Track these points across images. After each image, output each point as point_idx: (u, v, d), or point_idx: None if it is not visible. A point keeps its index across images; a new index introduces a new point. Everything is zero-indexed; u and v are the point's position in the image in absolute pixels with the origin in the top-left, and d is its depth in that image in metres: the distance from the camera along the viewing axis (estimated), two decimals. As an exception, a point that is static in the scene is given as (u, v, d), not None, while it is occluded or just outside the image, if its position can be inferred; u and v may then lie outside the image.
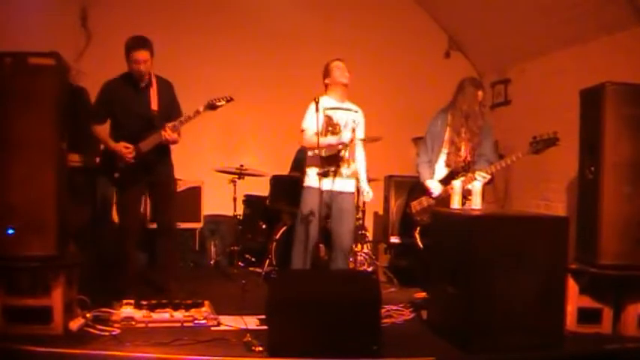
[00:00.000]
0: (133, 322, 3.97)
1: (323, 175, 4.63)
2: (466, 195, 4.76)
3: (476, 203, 4.53)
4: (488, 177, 4.89)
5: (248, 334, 3.73)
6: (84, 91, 6.07)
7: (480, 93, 5.09)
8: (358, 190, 5.19)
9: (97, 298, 4.17)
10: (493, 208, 5.22)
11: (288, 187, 5.85)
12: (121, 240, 4.92)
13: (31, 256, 3.63)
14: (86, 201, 5.91)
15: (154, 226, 5.34)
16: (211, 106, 4.58)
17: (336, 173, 4.80)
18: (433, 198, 5.07)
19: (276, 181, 6.16)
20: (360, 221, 6.22)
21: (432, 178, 5.11)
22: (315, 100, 4.66)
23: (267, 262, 5.75)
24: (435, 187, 5.05)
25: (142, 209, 5.00)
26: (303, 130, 4.95)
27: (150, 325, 3.99)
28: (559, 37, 5.88)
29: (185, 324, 4.05)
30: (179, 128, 4.64)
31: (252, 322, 4.16)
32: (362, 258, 6.19)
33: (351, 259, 5.91)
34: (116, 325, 3.92)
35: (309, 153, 4.99)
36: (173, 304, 4.23)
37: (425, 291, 4.76)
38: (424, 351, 3.72)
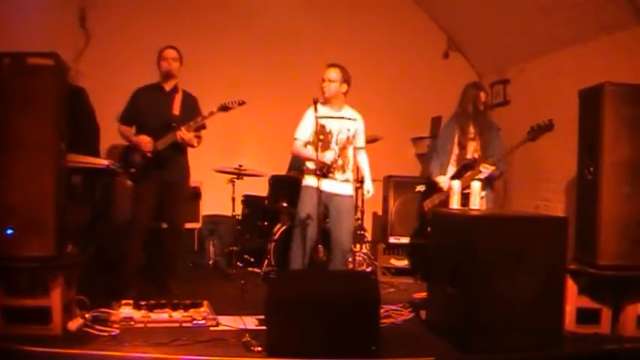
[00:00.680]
0: (132, 323, 3.97)
1: (321, 174, 4.62)
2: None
3: (475, 203, 4.54)
4: (492, 168, 4.99)
5: (247, 334, 3.73)
6: (83, 91, 6.09)
7: (481, 94, 5.21)
8: (357, 190, 5.20)
9: (96, 298, 4.16)
10: (493, 209, 5.24)
11: (287, 187, 5.85)
12: (129, 234, 5.05)
13: (30, 257, 3.63)
14: (85, 201, 5.92)
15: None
16: (224, 108, 4.84)
17: (327, 175, 4.79)
18: (443, 193, 5.16)
19: (275, 181, 6.16)
20: (359, 221, 6.22)
21: (442, 174, 5.25)
22: (314, 100, 4.64)
23: (266, 262, 5.75)
24: (444, 182, 5.17)
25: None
26: (296, 139, 4.98)
27: (149, 325, 3.99)
28: (559, 37, 5.88)
29: (184, 324, 4.05)
30: (193, 128, 4.87)
31: (251, 323, 4.16)
32: (361, 258, 6.20)
33: (350, 260, 5.92)
34: (115, 325, 3.91)
35: (308, 162, 4.99)
36: (172, 305, 4.23)
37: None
38: (424, 351, 3.72)
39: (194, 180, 6.17)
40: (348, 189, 5.00)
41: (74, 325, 3.83)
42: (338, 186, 4.91)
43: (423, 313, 4.56)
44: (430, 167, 5.43)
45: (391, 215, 6.52)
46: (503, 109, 6.96)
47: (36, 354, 3.37)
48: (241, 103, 4.86)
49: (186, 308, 4.22)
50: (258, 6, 6.83)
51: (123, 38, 6.42)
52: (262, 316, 4.03)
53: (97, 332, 3.80)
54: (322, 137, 4.86)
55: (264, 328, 3.73)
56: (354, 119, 5.00)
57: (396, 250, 6.51)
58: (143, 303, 4.22)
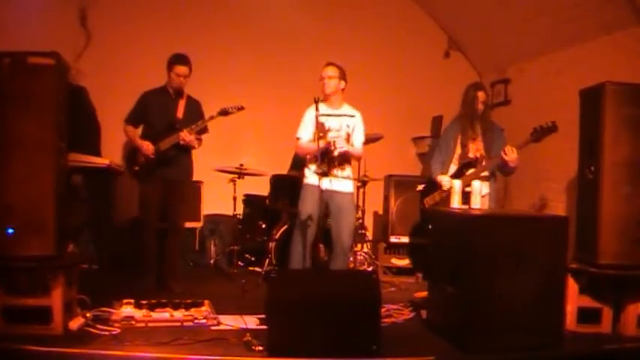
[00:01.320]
0: (133, 322, 3.96)
1: (322, 174, 4.62)
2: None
3: (475, 203, 4.54)
4: (515, 155, 4.90)
5: (248, 334, 3.73)
6: (84, 90, 6.10)
7: (480, 94, 5.19)
8: (359, 189, 5.18)
9: (98, 298, 4.17)
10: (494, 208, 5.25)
11: (288, 186, 5.85)
12: (139, 232, 5.21)
13: (31, 256, 3.63)
14: (86, 200, 5.92)
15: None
16: (224, 113, 5.06)
17: (329, 173, 4.76)
18: (444, 191, 5.16)
19: (276, 181, 6.16)
20: (360, 221, 6.22)
21: (443, 173, 5.26)
22: (315, 100, 4.65)
23: (267, 261, 5.75)
24: (445, 181, 5.17)
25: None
26: (298, 139, 5.00)
27: (150, 324, 3.99)
28: (559, 36, 5.88)
29: (185, 323, 4.05)
30: (195, 131, 5.05)
31: (251, 322, 4.16)
32: (362, 257, 6.20)
33: (351, 259, 5.92)
34: (116, 324, 3.92)
35: (308, 160, 5.00)
36: (173, 304, 4.24)
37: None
38: (424, 351, 3.71)
39: (195, 179, 6.20)
40: (348, 186, 5.01)
41: (75, 324, 3.83)
42: (338, 183, 4.90)
43: (423, 313, 4.56)
44: (431, 165, 5.44)
45: (392, 214, 6.53)
46: (503, 108, 6.96)
47: (37, 354, 3.36)
48: (240, 109, 5.06)
49: (187, 307, 4.22)
50: (259, 6, 6.83)
51: (123, 38, 6.42)
52: (263, 316, 4.02)
53: (98, 331, 3.80)
54: (322, 135, 4.86)
55: (265, 327, 3.73)
56: (352, 115, 5.02)
57: (396, 249, 6.51)
58: (144, 302, 4.22)
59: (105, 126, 6.21)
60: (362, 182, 6.04)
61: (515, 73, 6.90)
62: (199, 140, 5.21)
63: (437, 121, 7.25)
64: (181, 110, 5.16)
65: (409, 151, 7.66)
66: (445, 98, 6.24)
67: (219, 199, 6.45)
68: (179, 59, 5.10)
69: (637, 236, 4.06)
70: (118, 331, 3.83)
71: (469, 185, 4.74)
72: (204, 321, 4.09)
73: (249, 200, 6.41)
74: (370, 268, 6.11)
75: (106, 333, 3.78)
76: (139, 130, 5.22)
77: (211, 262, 6.61)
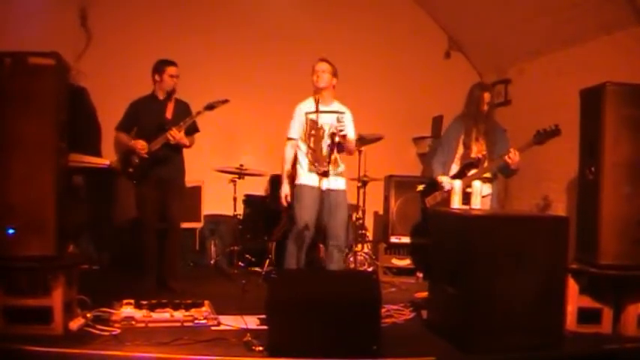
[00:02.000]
0: (133, 322, 3.97)
1: (323, 174, 4.59)
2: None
3: (475, 203, 4.54)
4: (518, 158, 4.95)
5: (248, 334, 3.73)
6: (84, 91, 6.10)
7: (485, 95, 5.20)
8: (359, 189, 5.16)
9: (98, 298, 4.17)
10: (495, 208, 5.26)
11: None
12: (139, 233, 5.27)
13: (31, 257, 3.63)
14: (87, 201, 5.93)
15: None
16: (209, 107, 5.06)
17: (327, 174, 4.71)
18: (445, 192, 5.17)
19: (276, 181, 6.15)
20: (361, 221, 6.22)
21: (444, 173, 5.28)
22: (315, 99, 4.63)
23: (267, 261, 5.76)
24: (446, 182, 5.18)
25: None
26: (289, 139, 5.01)
27: (150, 324, 3.99)
28: (559, 37, 5.88)
29: (185, 324, 4.05)
30: (184, 128, 5.10)
31: (252, 322, 4.16)
32: (362, 258, 6.20)
33: (351, 259, 5.92)
34: (116, 324, 3.92)
35: (301, 159, 4.99)
36: (173, 304, 4.24)
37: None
38: (424, 351, 3.71)
39: (195, 179, 6.21)
40: (341, 183, 4.99)
41: (75, 324, 3.83)
42: (332, 181, 4.82)
43: (424, 313, 4.56)
44: (433, 165, 5.44)
45: (392, 215, 6.52)
46: (504, 108, 6.95)
47: (37, 354, 3.37)
48: (225, 102, 5.08)
49: (187, 308, 4.22)
50: (259, 6, 6.83)
51: (124, 38, 6.42)
52: (263, 316, 4.03)
53: (98, 332, 3.80)
54: (314, 132, 4.87)
55: (265, 327, 3.73)
56: (343, 112, 4.97)
57: (397, 249, 6.51)
58: (144, 302, 4.22)
59: (105, 126, 6.21)
60: (362, 182, 6.04)
61: (516, 73, 6.90)
62: (191, 139, 5.28)
63: (437, 122, 7.25)
64: (170, 112, 5.24)
65: (409, 152, 7.66)
66: (445, 98, 6.25)
67: (219, 199, 6.45)
68: (168, 61, 5.19)
69: (637, 236, 4.05)
70: (118, 331, 3.83)
71: (470, 186, 4.74)
72: (204, 321, 4.09)
73: (250, 200, 6.42)
74: (370, 269, 6.11)
75: (106, 333, 3.78)
76: (131, 136, 5.28)
77: (212, 262, 6.61)
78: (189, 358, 3.44)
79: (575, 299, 4.19)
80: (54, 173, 3.71)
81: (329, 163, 4.79)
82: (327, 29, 6.96)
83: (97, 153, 6.11)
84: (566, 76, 5.77)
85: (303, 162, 4.95)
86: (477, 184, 4.63)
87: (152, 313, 4.09)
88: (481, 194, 4.65)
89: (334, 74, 4.97)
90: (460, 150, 5.26)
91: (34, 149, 3.66)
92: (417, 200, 5.98)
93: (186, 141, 5.21)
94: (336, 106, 5.03)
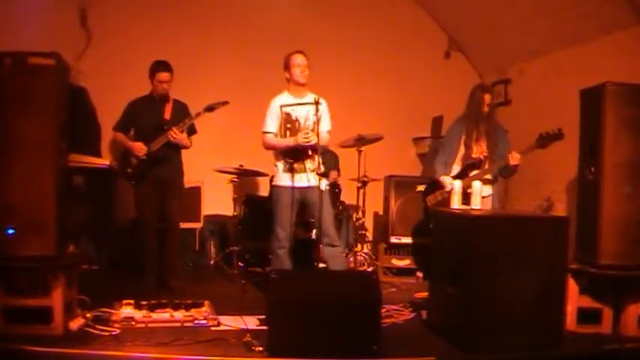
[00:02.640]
0: (133, 322, 3.97)
1: (290, 170, 4.59)
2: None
3: (475, 203, 4.54)
4: (519, 160, 4.99)
5: (248, 334, 3.73)
6: (84, 90, 6.10)
7: (486, 96, 5.23)
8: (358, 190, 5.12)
9: (98, 298, 4.17)
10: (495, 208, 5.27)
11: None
12: (138, 234, 5.29)
13: (31, 257, 3.63)
14: (87, 200, 5.93)
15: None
16: (209, 109, 5.09)
17: (303, 169, 4.72)
18: (446, 192, 5.18)
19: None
20: (361, 221, 6.22)
21: (446, 173, 5.31)
22: (315, 101, 4.61)
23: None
24: (448, 182, 5.20)
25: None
26: (265, 133, 4.95)
27: (150, 325, 4.00)
28: (559, 37, 5.88)
29: (185, 324, 4.05)
30: (184, 128, 5.13)
31: (252, 322, 4.16)
32: (362, 258, 6.20)
33: (351, 259, 5.92)
34: (116, 325, 3.92)
35: (277, 158, 4.95)
36: (173, 304, 4.24)
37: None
38: (424, 351, 3.71)
39: (195, 180, 6.21)
40: (312, 181, 4.82)
41: (75, 324, 3.83)
42: (311, 177, 4.78)
43: (424, 313, 4.56)
44: (435, 165, 5.47)
45: (392, 215, 6.52)
46: (504, 108, 6.95)
47: (37, 354, 3.37)
48: (225, 103, 5.10)
49: (187, 308, 4.22)
50: (259, 6, 6.82)
51: (124, 38, 6.42)
52: (263, 316, 4.03)
53: (98, 332, 3.80)
54: (289, 126, 4.85)
55: (265, 328, 3.74)
56: (319, 104, 4.80)
57: (397, 249, 6.50)
58: (144, 303, 4.22)
59: (105, 126, 6.21)
60: (362, 183, 6.03)
61: (516, 73, 6.89)
62: (189, 140, 5.30)
63: (437, 122, 7.24)
64: (168, 112, 5.25)
65: (409, 152, 7.65)
66: (445, 99, 6.25)
67: (219, 199, 6.45)
68: (160, 66, 5.17)
69: (637, 236, 4.06)
70: (118, 331, 3.83)
71: (470, 186, 4.73)
72: (204, 321, 4.09)
73: (249, 200, 6.41)
74: (370, 269, 6.11)
75: (106, 333, 3.79)
76: (130, 136, 5.30)
77: (211, 262, 6.60)
78: (188, 359, 3.45)
79: (575, 299, 4.19)
80: (54, 173, 3.71)
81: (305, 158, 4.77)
82: (327, 29, 6.95)
83: (97, 153, 6.12)
84: (566, 76, 5.77)
85: (280, 162, 4.89)
86: (476, 185, 4.63)
87: (152, 314, 4.09)
88: (481, 194, 4.65)
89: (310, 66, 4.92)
90: (461, 150, 5.30)
91: (34, 149, 3.66)
92: (416, 200, 5.99)
93: (187, 142, 5.24)
94: (311, 97, 4.89)
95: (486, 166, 5.17)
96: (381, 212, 6.92)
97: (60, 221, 3.72)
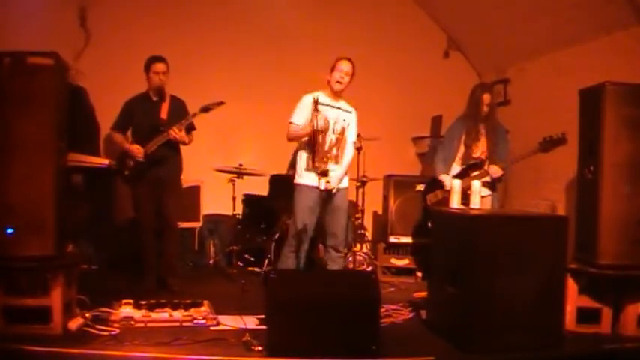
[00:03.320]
0: (132, 322, 3.97)
1: (322, 174, 4.53)
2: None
3: (475, 202, 4.54)
4: (501, 172, 5.12)
5: (247, 334, 3.73)
6: (83, 90, 6.10)
7: (485, 96, 5.24)
8: (358, 189, 5.15)
9: (97, 298, 4.17)
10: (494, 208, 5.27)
11: (288, 186, 5.81)
12: (137, 235, 5.29)
13: (30, 256, 3.63)
14: (86, 200, 5.92)
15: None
16: (205, 110, 5.06)
17: (326, 173, 4.61)
18: (446, 191, 5.20)
19: (275, 181, 6.16)
20: (360, 221, 6.22)
21: (446, 172, 5.33)
22: (314, 99, 4.61)
23: (267, 261, 5.75)
24: (448, 181, 5.23)
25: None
26: (290, 123, 4.92)
27: (149, 324, 4.00)
28: (559, 36, 5.88)
29: (184, 323, 4.05)
30: (183, 127, 5.12)
31: (251, 322, 4.16)
32: (361, 257, 6.20)
33: (350, 259, 5.92)
34: (115, 324, 3.92)
35: (300, 155, 4.93)
36: (172, 304, 4.24)
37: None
38: (424, 351, 3.71)
39: (194, 179, 6.21)
40: (343, 181, 4.95)
41: (75, 324, 3.83)
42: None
43: (423, 313, 4.57)
44: (435, 163, 5.49)
45: (391, 214, 6.52)
46: (503, 108, 6.95)
47: (37, 353, 3.37)
48: (220, 104, 5.06)
49: (186, 307, 4.22)
50: (259, 5, 6.82)
51: (123, 38, 6.41)
52: (262, 316, 4.03)
53: (97, 331, 3.80)
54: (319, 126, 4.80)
55: (264, 327, 3.73)
56: (350, 111, 4.99)
57: (396, 249, 6.51)
58: (143, 302, 4.22)
59: (104, 126, 6.20)
60: (361, 182, 6.04)
61: (515, 73, 6.89)
62: (189, 137, 5.29)
63: (436, 121, 7.24)
64: (165, 111, 5.22)
65: (409, 151, 7.65)
66: (445, 98, 6.25)
67: (218, 199, 6.44)
68: (155, 58, 5.17)
69: (637, 236, 4.06)
70: (118, 331, 3.83)
71: (470, 188, 4.71)
72: (203, 321, 4.09)
73: (249, 200, 6.41)
74: (369, 268, 6.11)
75: (106, 333, 3.78)
76: (128, 136, 5.30)
77: (211, 262, 6.60)
78: (188, 358, 3.45)
79: (574, 299, 4.20)
80: (54, 173, 3.71)
81: (329, 158, 4.78)
82: (327, 29, 6.96)
83: (96, 152, 6.11)
84: (566, 76, 5.77)
85: (302, 159, 4.88)
86: (476, 184, 4.63)
87: (151, 313, 4.10)
88: (480, 194, 4.65)
89: (352, 75, 4.91)
90: (461, 150, 5.31)
91: (34, 149, 3.66)
92: (416, 200, 6.00)
93: (186, 139, 5.23)
94: (344, 104, 4.99)
95: (486, 167, 5.16)
96: (380, 212, 6.92)
97: (59, 221, 3.72)
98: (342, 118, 4.93)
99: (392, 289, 5.77)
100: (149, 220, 5.25)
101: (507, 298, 3.74)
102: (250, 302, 4.65)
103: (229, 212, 6.15)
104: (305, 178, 4.83)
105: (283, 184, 6.02)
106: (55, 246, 3.68)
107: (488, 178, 5.15)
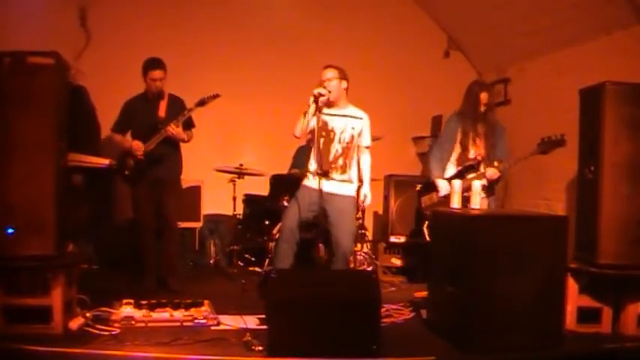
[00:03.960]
0: (133, 322, 3.97)
1: (322, 174, 4.50)
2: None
3: (475, 203, 4.53)
4: (498, 174, 5.02)
5: (248, 334, 3.73)
6: (84, 90, 6.09)
7: (483, 95, 5.11)
8: (358, 189, 5.12)
9: (97, 298, 4.17)
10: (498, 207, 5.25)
11: (288, 186, 5.83)
12: (137, 235, 5.29)
13: (31, 256, 3.63)
14: (86, 200, 5.92)
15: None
16: (201, 103, 5.07)
17: (327, 174, 4.61)
18: (442, 195, 5.15)
19: (276, 180, 6.16)
20: (360, 221, 6.22)
21: (442, 176, 5.21)
22: (314, 96, 4.47)
23: (267, 261, 5.75)
24: (443, 187, 5.14)
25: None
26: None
27: (149, 324, 3.99)
28: (559, 36, 5.88)
29: (185, 323, 4.05)
30: (180, 123, 5.10)
31: (251, 322, 4.16)
32: (362, 257, 6.20)
33: (350, 259, 5.91)
34: (116, 324, 3.92)
35: (310, 160, 4.84)
36: (173, 304, 4.24)
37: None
38: (424, 351, 3.71)
39: (194, 179, 6.21)
40: (347, 189, 4.79)
41: (75, 324, 3.83)
42: (337, 186, 4.72)
43: (423, 313, 4.56)
44: (430, 165, 5.38)
45: (392, 214, 6.52)
46: (503, 108, 6.95)
47: (37, 353, 3.37)
48: (216, 96, 5.04)
49: (187, 307, 4.22)
50: (259, 6, 6.83)
51: (123, 37, 6.42)
52: (263, 316, 4.03)
53: (97, 331, 3.80)
54: (324, 134, 4.70)
55: (264, 327, 3.73)
56: (360, 117, 4.81)
57: (396, 249, 6.50)
58: (144, 302, 4.22)
59: (104, 126, 6.20)
60: (361, 182, 6.02)
61: (515, 72, 6.90)
62: (189, 133, 5.28)
63: (437, 121, 7.25)
64: (163, 110, 5.23)
65: (409, 151, 7.66)
66: (445, 98, 6.24)
67: (219, 199, 6.45)
68: (152, 63, 5.14)
69: (637, 236, 4.06)
70: (118, 331, 3.83)
71: (469, 189, 4.68)
72: (204, 321, 4.09)
73: (249, 200, 6.41)
74: (370, 268, 6.10)
75: (106, 333, 3.78)
76: (128, 137, 5.30)
77: (211, 262, 6.60)
78: (188, 358, 3.45)
79: (574, 299, 4.20)
80: (54, 173, 3.71)
81: (334, 168, 4.71)
82: (327, 29, 6.96)
83: (97, 152, 6.10)
84: (566, 76, 5.77)
85: (312, 164, 4.77)
86: (476, 184, 4.61)
87: (152, 313, 4.09)
88: (480, 194, 4.64)
89: (342, 78, 4.74)
90: (458, 149, 5.19)
91: (34, 149, 3.66)
92: (416, 200, 5.98)
93: (184, 135, 5.19)
94: (352, 110, 4.83)
95: (482, 169, 5.09)
96: (380, 211, 6.92)
97: (60, 221, 3.72)
98: (350, 126, 4.75)
99: (392, 288, 5.77)
100: (149, 220, 5.25)
101: (507, 298, 3.74)
102: (251, 302, 4.66)
103: (230, 212, 6.16)
104: (310, 181, 4.73)
105: (284, 184, 6.02)
106: (55, 246, 3.68)
107: (484, 181, 5.00)
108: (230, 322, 4.14)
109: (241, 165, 5.94)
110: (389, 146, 6.63)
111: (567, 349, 3.84)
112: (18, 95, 3.66)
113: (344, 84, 4.78)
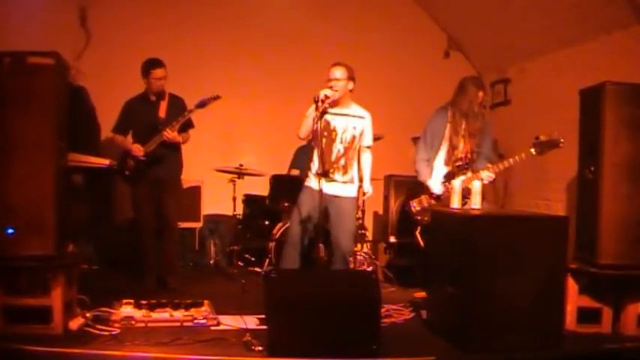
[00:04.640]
0: (133, 322, 3.97)
1: (322, 174, 4.49)
2: (466, 195, 4.71)
3: (475, 203, 4.52)
4: (493, 176, 4.94)
5: (248, 334, 3.73)
6: (84, 90, 6.10)
7: (480, 93, 5.04)
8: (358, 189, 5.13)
9: (97, 298, 4.18)
10: (493, 208, 5.21)
11: (288, 186, 5.85)
12: (137, 235, 5.29)
13: (31, 256, 3.63)
14: (86, 200, 5.93)
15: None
16: (201, 105, 5.07)
17: (327, 174, 4.58)
18: (434, 198, 5.08)
19: (276, 181, 6.15)
20: (360, 221, 6.21)
21: (431, 177, 5.10)
22: (314, 99, 4.42)
23: (267, 261, 5.75)
24: (436, 187, 5.06)
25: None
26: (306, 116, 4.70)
27: (149, 324, 3.99)
28: (559, 36, 5.88)
29: (185, 323, 4.05)
30: (177, 127, 5.10)
31: (251, 322, 4.16)
32: (361, 258, 6.19)
33: (350, 259, 5.91)
34: (116, 324, 3.92)
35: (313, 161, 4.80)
36: (173, 304, 4.24)
37: (424, 290, 4.72)
38: (424, 351, 3.71)
39: (194, 179, 6.21)
40: (348, 191, 4.77)
41: (75, 324, 3.83)
42: (339, 187, 4.71)
43: (423, 313, 4.56)
44: (416, 163, 5.19)
45: (392, 215, 6.51)
46: (503, 108, 6.96)
47: (37, 353, 3.37)
48: (216, 98, 5.05)
49: (187, 307, 4.22)
50: (260, 6, 6.83)
51: (123, 37, 6.42)
52: (263, 316, 4.03)
53: (97, 331, 3.80)
54: (326, 134, 4.68)
55: (264, 327, 3.74)
56: (362, 117, 4.77)
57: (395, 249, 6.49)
58: (144, 302, 4.22)
59: (104, 126, 6.21)
60: (361, 182, 6.02)
61: (515, 72, 6.90)
62: (185, 135, 5.29)
63: (437, 121, 7.23)
64: (163, 110, 5.24)
65: (409, 151, 7.63)
66: (445, 98, 6.20)
67: (219, 199, 6.44)
68: (154, 63, 5.15)
69: (637, 236, 4.06)
70: (118, 331, 3.83)
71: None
72: (203, 321, 4.09)
73: (249, 200, 6.41)
74: (370, 268, 6.10)
75: (106, 333, 3.78)
76: (129, 138, 5.30)
77: (211, 262, 6.60)
78: (188, 358, 3.45)
79: (574, 299, 4.20)
80: (54, 173, 3.71)
81: (336, 168, 4.70)
82: (327, 29, 6.96)
83: (97, 152, 6.11)
84: (566, 76, 5.78)
85: (314, 164, 4.74)
86: (476, 184, 4.58)
87: (152, 313, 4.10)
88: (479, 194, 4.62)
89: (350, 78, 4.66)
90: (445, 146, 5.04)
91: (34, 149, 3.66)
92: (404, 204, 5.94)
93: (179, 138, 5.21)
94: (355, 109, 4.78)
95: (473, 169, 4.99)
96: (380, 212, 6.92)
97: (59, 221, 3.72)
98: (351, 126, 4.72)
99: (392, 289, 5.76)
100: (149, 220, 5.25)
101: (507, 298, 3.74)
102: (251, 302, 4.65)
103: (230, 212, 6.15)
104: (311, 182, 4.69)
105: (284, 184, 6.02)
106: (55, 246, 3.68)
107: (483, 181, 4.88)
108: (230, 322, 4.13)
109: (241, 165, 5.94)
110: (389, 146, 6.63)
111: (567, 350, 3.84)
112: (18, 95, 3.66)
113: (350, 85, 4.72)
